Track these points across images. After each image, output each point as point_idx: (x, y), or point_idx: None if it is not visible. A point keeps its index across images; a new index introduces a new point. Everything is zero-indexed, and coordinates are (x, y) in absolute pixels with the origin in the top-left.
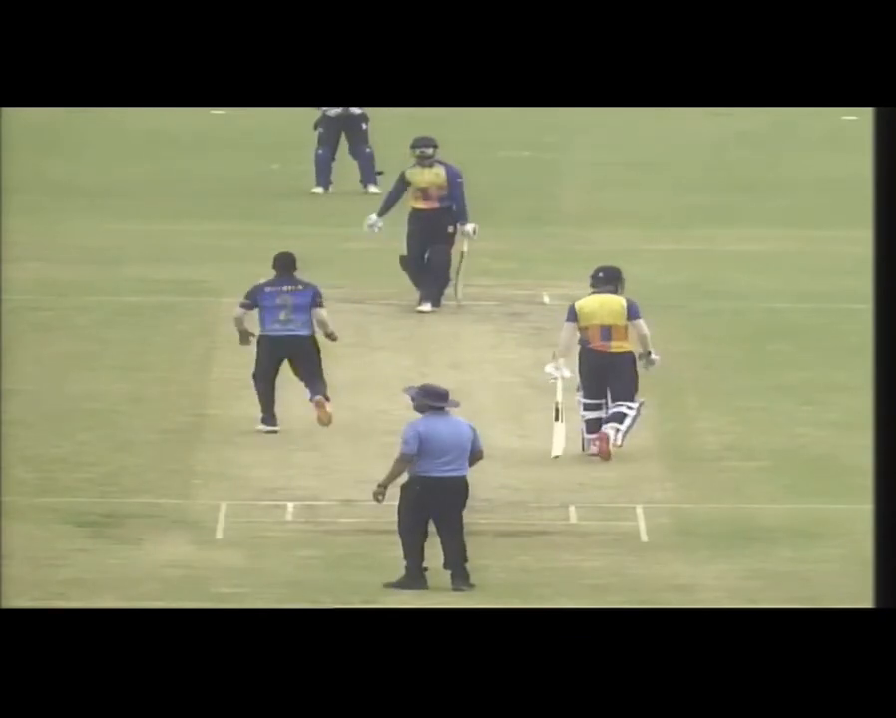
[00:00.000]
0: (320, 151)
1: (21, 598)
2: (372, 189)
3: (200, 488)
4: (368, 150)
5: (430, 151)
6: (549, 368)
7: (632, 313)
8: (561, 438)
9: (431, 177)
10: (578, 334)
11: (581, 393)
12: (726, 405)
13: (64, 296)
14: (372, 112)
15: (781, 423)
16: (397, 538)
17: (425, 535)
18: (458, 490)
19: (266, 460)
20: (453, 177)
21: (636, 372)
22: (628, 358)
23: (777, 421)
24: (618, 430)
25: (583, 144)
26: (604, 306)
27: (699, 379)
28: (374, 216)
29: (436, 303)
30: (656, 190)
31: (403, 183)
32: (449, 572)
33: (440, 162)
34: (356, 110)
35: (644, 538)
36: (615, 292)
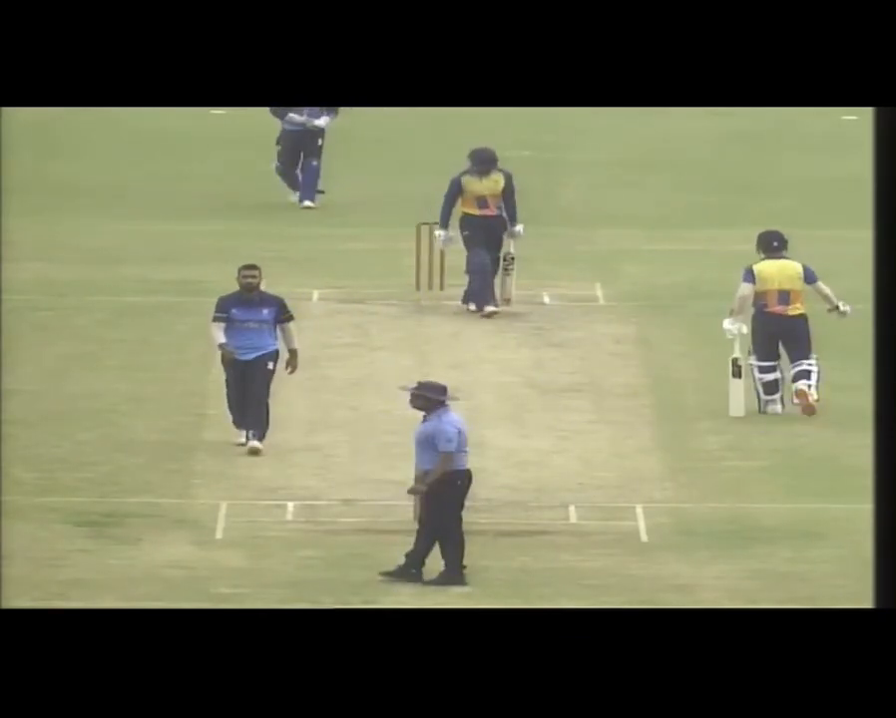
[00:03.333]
0: (278, 164)
1: (21, 598)
2: (307, 203)
3: (200, 488)
4: (315, 164)
5: (489, 168)
6: (727, 324)
7: (809, 278)
8: (740, 396)
9: (490, 184)
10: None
11: (755, 356)
12: (726, 405)
13: (64, 296)
14: (372, 110)
15: (781, 423)
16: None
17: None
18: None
19: (266, 460)
20: (509, 180)
21: (810, 332)
22: (803, 320)
23: (777, 421)
24: (810, 385)
25: (583, 144)
26: (782, 271)
27: (699, 379)
28: (443, 231)
29: (497, 303)
30: (656, 190)
31: (458, 190)
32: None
33: (497, 169)
34: (320, 123)
35: (644, 537)
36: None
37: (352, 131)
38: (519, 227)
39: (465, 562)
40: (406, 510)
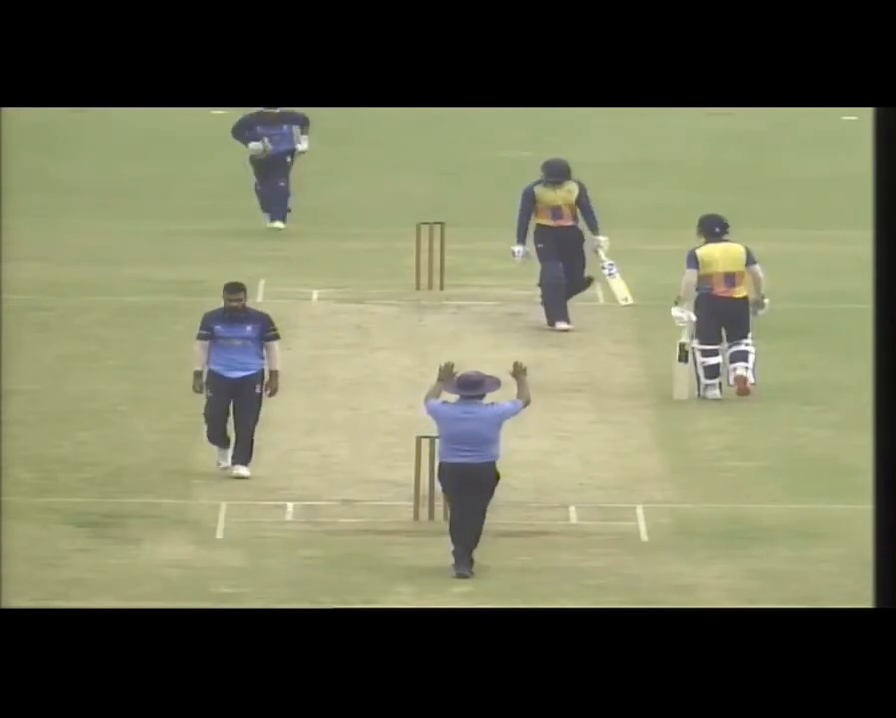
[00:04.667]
0: (260, 188)
1: (21, 598)
2: (277, 225)
3: (200, 488)
4: (283, 185)
5: (561, 179)
6: (676, 311)
7: (750, 259)
8: (685, 380)
9: (564, 194)
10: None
11: (698, 340)
12: (726, 405)
13: (64, 296)
14: (372, 110)
15: (781, 423)
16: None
17: (465, 512)
18: (472, 476)
19: (266, 460)
20: (583, 191)
21: (751, 314)
22: (745, 302)
23: (777, 421)
24: (748, 368)
25: (583, 144)
26: (727, 254)
27: None
28: (520, 247)
29: (568, 320)
30: (656, 190)
31: (531, 201)
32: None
33: (569, 180)
34: (286, 149)
35: (644, 538)
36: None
37: (352, 131)
38: (601, 239)
39: (470, 547)
40: (406, 510)
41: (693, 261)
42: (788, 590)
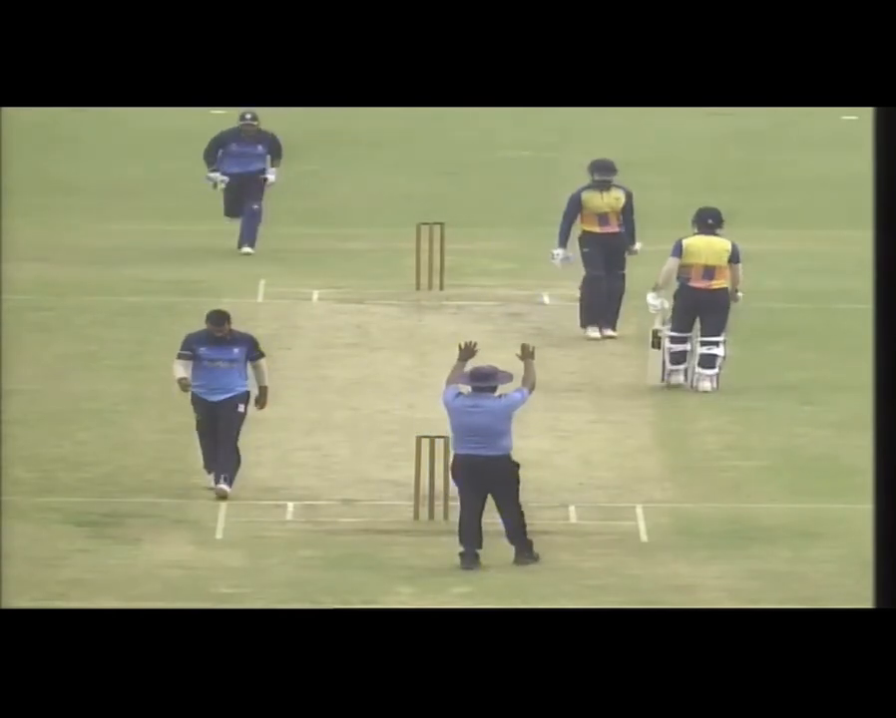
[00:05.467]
0: (228, 219)
1: (21, 598)
2: (246, 250)
3: (200, 488)
4: (256, 207)
5: (611, 178)
6: (651, 298)
7: (734, 256)
8: (657, 367)
9: (611, 201)
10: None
11: (669, 326)
12: (726, 405)
13: (64, 296)
14: (372, 110)
15: (781, 423)
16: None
17: (473, 511)
18: (482, 469)
19: (266, 460)
20: (630, 199)
21: (729, 308)
22: (723, 293)
23: (777, 421)
24: (711, 377)
25: (583, 144)
26: (710, 247)
27: None
28: (560, 250)
29: (615, 328)
30: (656, 190)
31: (578, 207)
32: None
33: (617, 185)
34: (259, 169)
35: (644, 538)
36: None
37: (351, 131)
38: (637, 246)
39: (520, 535)
40: (406, 510)
41: (677, 250)
42: (788, 590)
